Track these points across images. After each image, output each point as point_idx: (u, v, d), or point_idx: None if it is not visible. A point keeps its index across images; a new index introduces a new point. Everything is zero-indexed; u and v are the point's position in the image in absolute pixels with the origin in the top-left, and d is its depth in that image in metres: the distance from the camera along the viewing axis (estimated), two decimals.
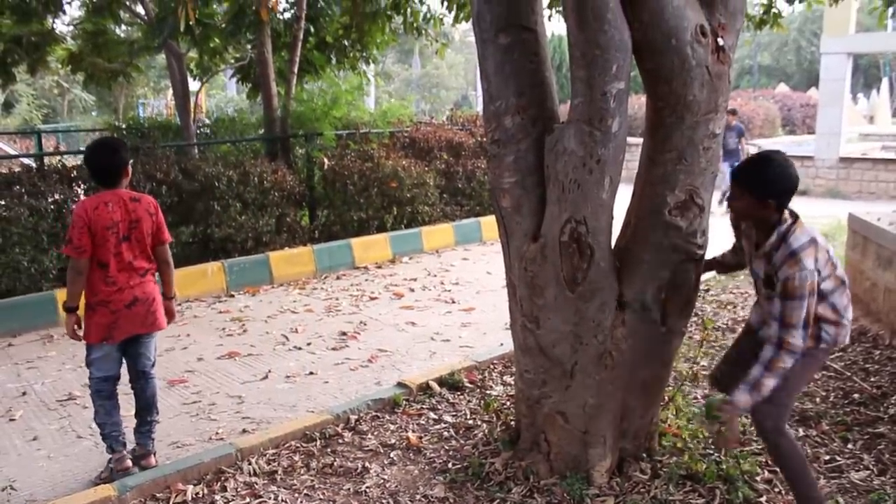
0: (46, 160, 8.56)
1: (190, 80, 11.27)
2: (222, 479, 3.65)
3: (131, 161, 3.91)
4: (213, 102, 23.65)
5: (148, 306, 3.83)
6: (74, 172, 7.49)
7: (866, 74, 40.39)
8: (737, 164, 11.35)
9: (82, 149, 16.96)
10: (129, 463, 3.83)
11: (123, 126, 13.00)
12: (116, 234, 3.70)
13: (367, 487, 3.55)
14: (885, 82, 28.81)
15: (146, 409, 3.96)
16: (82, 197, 7.35)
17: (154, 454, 3.96)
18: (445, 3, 7.61)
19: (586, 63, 2.99)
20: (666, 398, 4.03)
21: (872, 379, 4.72)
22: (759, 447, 3.76)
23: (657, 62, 3.09)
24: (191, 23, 8.38)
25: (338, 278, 8.21)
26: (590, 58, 2.97)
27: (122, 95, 27.22)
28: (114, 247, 3.70)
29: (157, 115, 20.61)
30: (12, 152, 17.19)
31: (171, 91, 25.57)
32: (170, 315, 4.00)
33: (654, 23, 3.01)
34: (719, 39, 3.14)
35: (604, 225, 3.21)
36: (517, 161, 3.31)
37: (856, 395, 4.46)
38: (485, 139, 10.16)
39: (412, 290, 7.57)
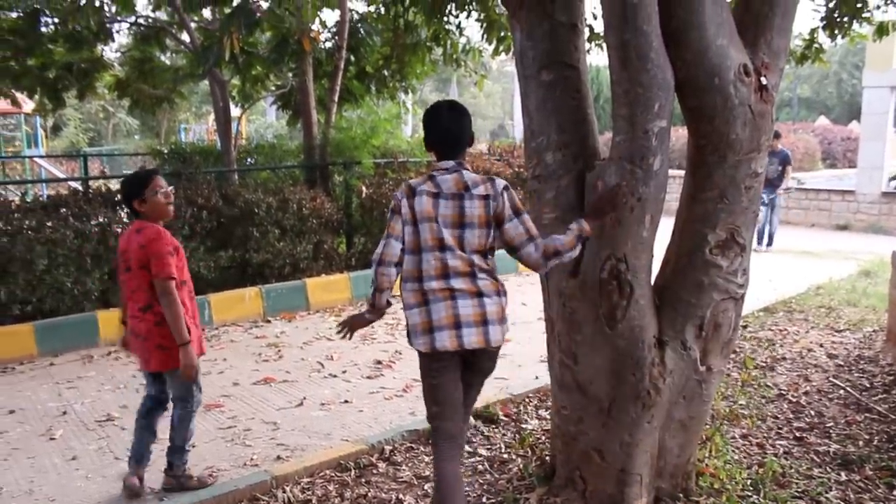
0: (92, 183, 8.75)
1: (231, 106, 11.49)
2: None
3: (141, 196, 3.76)
4: (253, 128, 24.03)
5: (142, 343, 3.76)
6: (118, 196, 7.67)
7: None
8: (775, 197, 11.24)
9: (126, 172, 17.40)
10: (134, 481, 3.95)
11: (166, 151, 13.30)
12: (119, 264, 3.82)
13: None
14: None
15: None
16: (125, 220, 7.54)
17: (172, 474, 3.99)
18: (485, 36, 7.67)
19: (629, 101, 3.01)
20: (704, 437, 3.98)
21: None
22: (800, 490, 3.70)
23: (700, 101, 3.10)
24: (235, 52, 8.57)
25: None
26: (632, 96, 2.99)
27: (164, 120, 27.85)
28: (120, 277, 3.83)
29: (199, 140, 21.05)
30: (60, 175, 17.64)
31: (212, 116, 26.06)
32: (181, 363, 3.69)
33: (698, 62, 3.03)
34: (762, 78, 3.14)
35: (644, 262, 3.20)
36: (558, 197, 3.33)
37: None
38: (522, 169, 10.22)
39: None
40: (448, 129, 3.12)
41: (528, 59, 3.36)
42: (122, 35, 12.14)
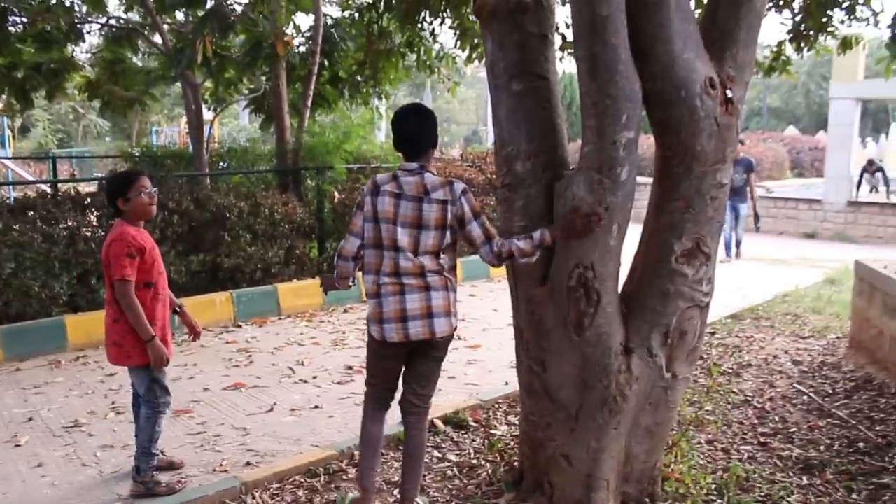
0: (61, 186, 8.66)
1: (204, 109, 11.43)
2: None
3: (125, 195, 3.82)
4: (226, 131, 23.89)
5: (107, 339, 3.91)
6: (88, 199, 7.61)
7: (875, 119, 40.59)
8: (743, 205, 11.32)
9: (96, 175, 17.21)
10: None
11: (137, 154, 13.19)
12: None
13: None
14: (893, 127, 28.99)
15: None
16: (94, 223, 7.48)
17: (140, 480, 3.96)
18: (458, 43, 7.73)
19: (597, 112, 3.06)
20: (670, 443, 4.04)
21: (878, 428, 4.71)
22: (762, 494, 3.77)
23: (667, 113, 3.16)
24: (208, 55, 8.54)
25: (345, 311, 8.25)
26: (601, 107, 3.04)
27: (136, 122, 27.61)
28: None
29: (171, 143, 20.90)
30: (28, 177, 17.40)
31: (184, 119, 25.89)
32: (151, 359, 3.80)
33: (665, 74, 3.09)
34: (728, 91, 3.21)
35: (611, 271, 3.25)
36: (527, 205, 3.37)
37: (861, 444, 4.45)
38: (494, 176, 10.28)
39: None
40: (411, 130, 3.37)
41: (500, 69, 3.40)
42: (93, 35, 12.00)
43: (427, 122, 3.39)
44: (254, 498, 3.78)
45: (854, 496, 3.81)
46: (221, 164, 12.11)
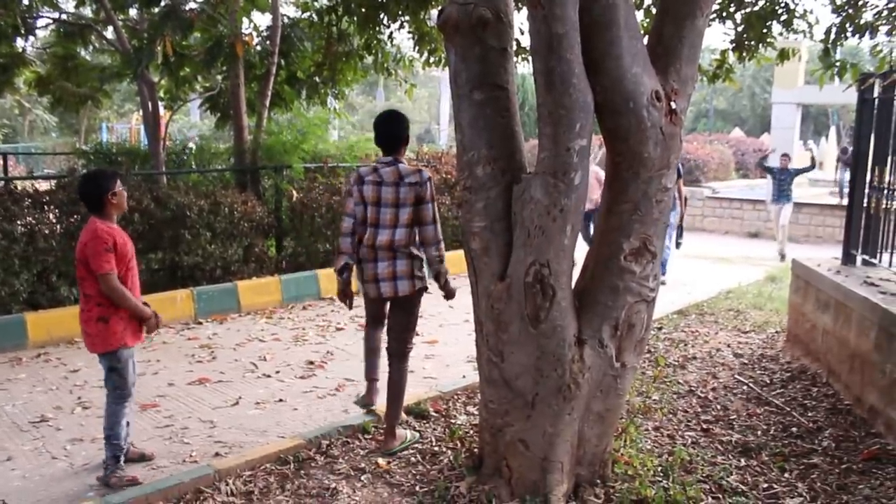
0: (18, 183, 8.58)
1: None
2: (201, 498, 3.83)
3: (112, 190, 4.09)
4: (177, 128, 23.63)
5: (82, 327, 4.15)
6: (46, 197, 7.60)
7: (816, 122, 41.90)
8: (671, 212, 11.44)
9: (47, 171, 16.92)
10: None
11: (91, 151, 13.05)
12: None
13: None
14: (832, 130, 30.04)
15: None
16: (52, 221, 7.50)
17: (104, 478, 4.15)
18: (416, 47, 7.93)
19: (553, 121, 3.31)
20: (620, 429, 4.32)
21: (809, 414, 5.08)
22: (704, 475, 4.07)
23: (616, 122, 3.43)
24: (168, 55, 8.59)
25: (304, 308, 8.40)
26: (556, 117, 3.29)
27: (84, 118, 27.11)
28: None
29: (123, 140, 20.60)
30: None
31: (134, 115, 25.41)
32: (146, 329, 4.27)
33: (614, 87, 3.36)
34: (672, 103, 3.49)
35: (565, 268, 3.50)
36: (487, 207, 3.60)
37: (794, 429, 4.81)
38: (449, 176, 10.50)
39: None
40: (389, 131, 4.39)
41: (462, 80, 3.62)
42: (42, 30, 11.83)
43: (401, 125, 4.44)
44: (227, 484, 3.95)
45: (786, 475, 4.14)
46: (182, 157, 12.02)
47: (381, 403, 4.79)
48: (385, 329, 4.63)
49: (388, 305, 4.52)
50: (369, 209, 4.32)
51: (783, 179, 12.50)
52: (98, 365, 4.25)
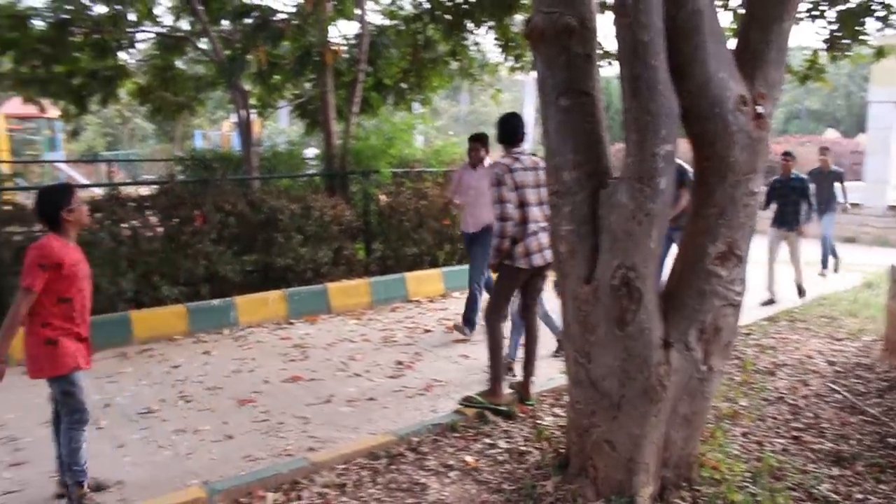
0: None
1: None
2: (298, 488, 4.04)
3: (68, 206, 3.89)
4: (266, 133, 24.38)
5: (26, 351, 3.91)
6: (148, 202, 8.02)
7: None
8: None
9: (146, 177, 17.73)
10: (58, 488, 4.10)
11: (187, 158, 13.65)
12: None
13: (429, 503, 3.90)
14: None
15: None
16: (154, 224, 7.89)
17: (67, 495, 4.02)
18: (504, 53, 8.03)
19: (638, 127, 3.36)
20: (706, 433, 4.31)
21: None
22: (794, 483, 4.02)
23: (702, 127, 3.45)
24: (262, 66, 8.92)
25: (392, 310, 8.60)
26: (642, 123, 3.34)
27: (179, 125, 28.27)
28: None
29: (216, 147, 21.42)
30: (82, 180, 18.03)
31: (225, 122, 26.24)
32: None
33: (700, 92, 3.38)
34: (758, 108, 3.49)
35: (651, 271, 3.55)
36: (573, 211, 3.67)
37: (891, 440, 4.67)
38: None
39: None
40: (515, 128, 5.16)
41: (548, 87, 3.71)
42: (143, 43, 12.43)
43: (521, 123, 5.21)
44: (322, 477, 4.14)
45: (882, 487, 4.04)
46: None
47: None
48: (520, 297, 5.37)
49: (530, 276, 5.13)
50: (522, 192, 4.93)
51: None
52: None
